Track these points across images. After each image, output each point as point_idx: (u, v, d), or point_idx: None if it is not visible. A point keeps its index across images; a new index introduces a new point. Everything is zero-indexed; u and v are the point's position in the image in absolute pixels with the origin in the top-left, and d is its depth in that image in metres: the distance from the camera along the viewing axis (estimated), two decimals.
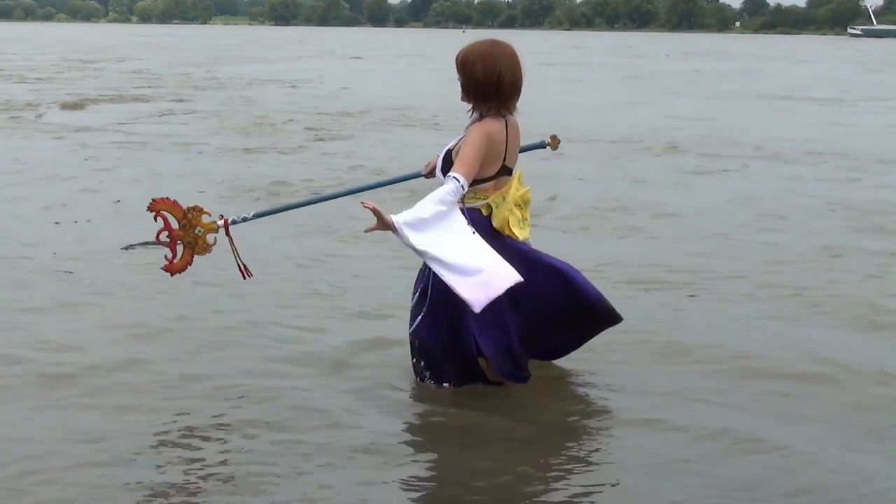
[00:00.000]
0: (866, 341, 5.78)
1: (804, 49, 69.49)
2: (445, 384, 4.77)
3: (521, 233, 4.69)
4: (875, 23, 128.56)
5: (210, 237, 4.76)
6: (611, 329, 4.97)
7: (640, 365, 5.29)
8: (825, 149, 14.43)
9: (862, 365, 5.30)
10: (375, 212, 4.30)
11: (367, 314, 6.10)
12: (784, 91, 26.78)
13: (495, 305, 4.50)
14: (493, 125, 4.55)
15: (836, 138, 15.86)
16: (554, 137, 5.31)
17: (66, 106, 19.58)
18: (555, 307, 4.71)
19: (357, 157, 12.91)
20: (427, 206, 4.39)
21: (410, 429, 4.50)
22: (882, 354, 5.52)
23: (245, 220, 4.88)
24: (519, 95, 4.62)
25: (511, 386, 4.79)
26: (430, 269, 4.54)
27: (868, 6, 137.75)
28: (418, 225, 4.36)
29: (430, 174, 4.92)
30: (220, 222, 4.78)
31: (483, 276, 4.40)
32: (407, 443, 4.36)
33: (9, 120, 16.95)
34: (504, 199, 4.63)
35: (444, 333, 4.67)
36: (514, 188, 4.70)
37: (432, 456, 4.28)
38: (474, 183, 4.54)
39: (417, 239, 4.34)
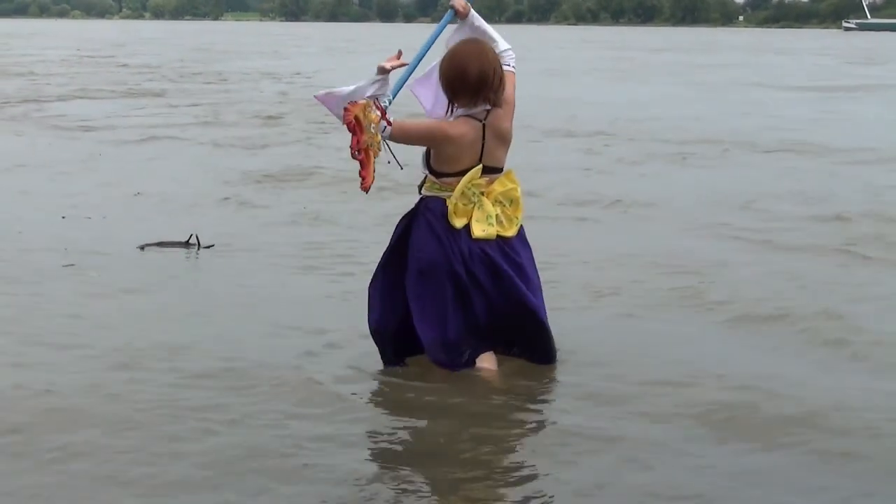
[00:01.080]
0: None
1: (796, 43, 69.26)
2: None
3: (484, 230, 4.67)
4: (869, 17, 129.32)
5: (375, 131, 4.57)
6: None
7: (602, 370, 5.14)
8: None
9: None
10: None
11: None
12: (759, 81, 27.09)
13: (441, 300, 4.67)
14: (456, 127, 4.63)
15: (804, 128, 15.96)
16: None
17: (73, 100, 19.62)
18: (510, 319, 4.78)
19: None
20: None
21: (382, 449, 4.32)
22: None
23: (390, 101, 4.75)
24: (491, 90, 4.63)
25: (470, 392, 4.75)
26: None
27: (864, 0, 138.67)
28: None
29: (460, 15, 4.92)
30: (378, 113, 4.59)
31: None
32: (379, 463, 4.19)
33: (19, 115, 16.99)
34: (462, 192, 4.65)
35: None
36: (498, 185, 4.73)
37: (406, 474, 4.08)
38: (441, 175, 4.69)
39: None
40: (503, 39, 4.88)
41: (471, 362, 4.83)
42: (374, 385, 4.94)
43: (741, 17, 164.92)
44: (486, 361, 4.88)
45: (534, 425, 4.53)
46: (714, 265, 7.21)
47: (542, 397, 4.83)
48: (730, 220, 8.82)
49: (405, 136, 4.64)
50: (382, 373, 5.01)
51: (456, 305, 4.70)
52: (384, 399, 4.80)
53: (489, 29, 4.93)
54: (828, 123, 16.93)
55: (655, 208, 9.39)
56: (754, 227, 8.51)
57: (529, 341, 4.89)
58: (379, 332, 4.96)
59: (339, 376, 5.00)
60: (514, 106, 4.82)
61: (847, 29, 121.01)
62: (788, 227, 8.54)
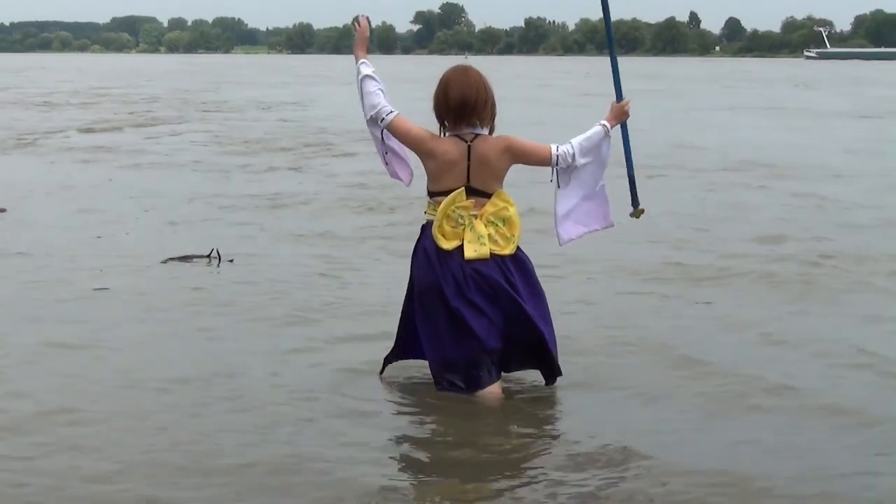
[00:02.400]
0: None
1: (753, 71, 69.74)
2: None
3: (475, 250, 4.53)
4: (828, 47, 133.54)
5: None
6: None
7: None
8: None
9: None
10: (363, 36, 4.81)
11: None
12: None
13: (437, 322, 4.58)
14: (441, 144, 4.59)
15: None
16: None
17: (88, 130, 19.72)
18: (511, 332, 4.60)
19: (345, 175, 13.08)
20: (370, 85, 4.70)
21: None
22: None
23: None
24: (474, 113, 4.56)
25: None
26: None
27: (822, 31, 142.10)
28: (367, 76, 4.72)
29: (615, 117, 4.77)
30: None
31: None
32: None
33: (40, 143, 17.06)
34: (447, 215, 4.55)
35: None
36: (490, 206, 4.58)
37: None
38: (432, 194, 4.64)
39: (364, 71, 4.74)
40: (584, 153, 4.68)
41: (474, 387, 4.61)
42: (372, 413, 4.64)
43: (717, 48, 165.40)
44: (490, 392, 4.64)
45: (525, 478, 4.01)
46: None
47: (538, 448, 4.33)
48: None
49: (400, 132, 4.63)
50: (383, 398, 4.80)
51: (451, 328, 4.54)
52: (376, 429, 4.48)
53: (594, 142, 4.71)
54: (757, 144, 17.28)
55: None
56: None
57: (529, 354, 4.69)
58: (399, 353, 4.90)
59: (336, 400, 4.80)
60: (518, 154, 4.61)
61: (808, 58, 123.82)
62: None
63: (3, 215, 9.66)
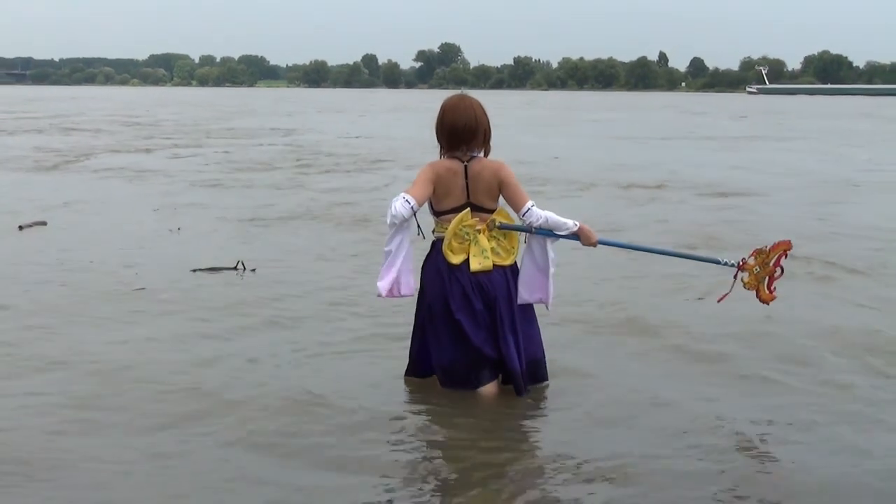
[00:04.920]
0: None
1: (699, 104, 70.03)
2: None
3: (480, 263, 4.50)
4: (767, 83, 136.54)
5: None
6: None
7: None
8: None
9: None
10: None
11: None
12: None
13: (441, 330, 4.54)
14: (440, 164, 4.54)
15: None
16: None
17: (117, 151, 19.73)
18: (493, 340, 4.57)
19: (344, 192, 13.02)
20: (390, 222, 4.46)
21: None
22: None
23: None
24: (463, 140, 4.49)
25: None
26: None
27: (762, 70, 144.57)
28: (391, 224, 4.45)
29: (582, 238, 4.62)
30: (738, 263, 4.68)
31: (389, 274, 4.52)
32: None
33: (72, 164, 17.01)
34: (455, 233, 4.51)
35: None
36: (491, 227, 4.55)
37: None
38: (439, 213, 4.58)
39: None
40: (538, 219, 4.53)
41: (471, 385, 4.60)
42: (374, 414, 4.50)
43: (683, 84, 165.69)
44: (488, 390, 4.61)
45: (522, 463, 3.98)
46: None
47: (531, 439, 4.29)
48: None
49: (419, 191, 4.45)
50: (378, 398, 4.69)
51: (452, 336, 4.54)
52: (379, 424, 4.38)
53: (559, 226, 4.58)
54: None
55: None
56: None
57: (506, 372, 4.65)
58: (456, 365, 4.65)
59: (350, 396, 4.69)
60: (502, 181, 4.48)
61: (750, 93, 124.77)
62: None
63: (44, 228, 9.69)
